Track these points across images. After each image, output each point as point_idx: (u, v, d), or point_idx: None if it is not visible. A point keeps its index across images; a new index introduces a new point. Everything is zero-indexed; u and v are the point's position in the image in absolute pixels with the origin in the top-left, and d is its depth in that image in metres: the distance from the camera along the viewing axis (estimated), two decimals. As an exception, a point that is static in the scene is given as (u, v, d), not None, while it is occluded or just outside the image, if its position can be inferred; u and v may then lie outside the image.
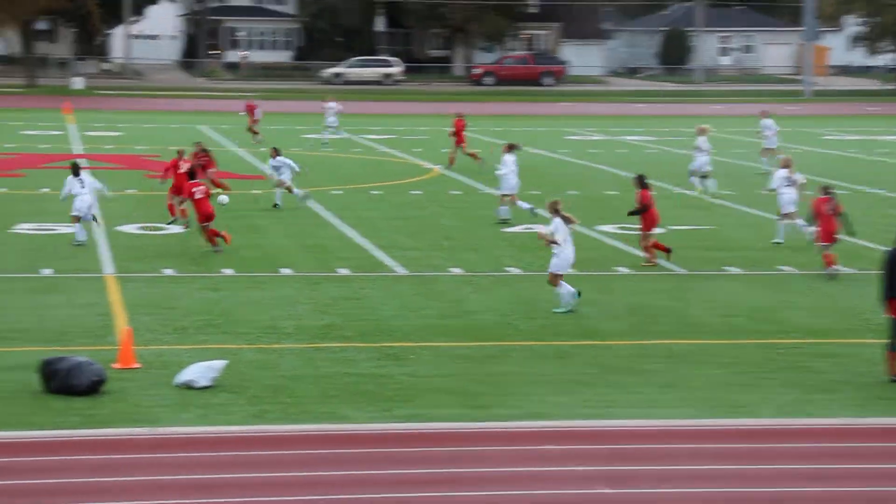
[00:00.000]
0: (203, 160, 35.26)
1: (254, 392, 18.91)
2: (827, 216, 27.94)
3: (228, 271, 27.94)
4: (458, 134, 47.16)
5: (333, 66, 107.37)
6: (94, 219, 30.68)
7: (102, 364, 19.14)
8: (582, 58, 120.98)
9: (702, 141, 41.07)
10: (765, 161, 47.32)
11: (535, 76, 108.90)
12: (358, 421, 17.70)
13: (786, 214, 31.95)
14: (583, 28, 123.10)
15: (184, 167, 32.55)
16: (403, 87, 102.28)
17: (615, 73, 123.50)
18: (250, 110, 57.51)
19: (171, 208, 33.12)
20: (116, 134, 60.67)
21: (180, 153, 34.23)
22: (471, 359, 21.18)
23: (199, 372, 19.02)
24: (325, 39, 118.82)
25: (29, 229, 32.54)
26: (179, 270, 27.88)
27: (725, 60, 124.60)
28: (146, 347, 21.00)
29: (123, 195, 39.10)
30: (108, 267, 28.12)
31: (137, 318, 23.16)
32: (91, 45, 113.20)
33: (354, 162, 51.10)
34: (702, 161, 41.08)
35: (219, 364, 19.23)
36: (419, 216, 36.60)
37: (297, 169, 36.31)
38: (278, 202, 36.53)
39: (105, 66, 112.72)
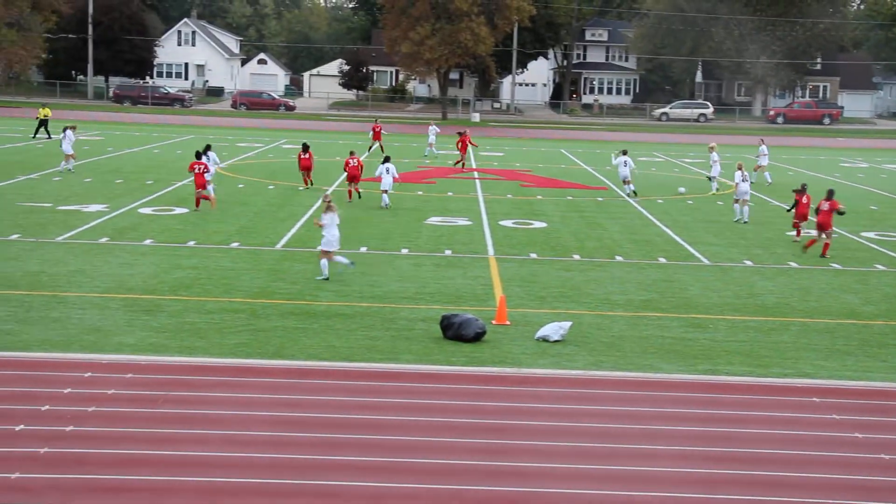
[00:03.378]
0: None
1: (592, 346, 18.85)
2: None
3: (576, 256, 27.92)
4: (377, 135, 53.96)
5: (661, 107, 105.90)
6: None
7: (484, 320, 19.48)
8: (855, 104, 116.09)
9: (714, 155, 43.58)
10: None
11: (818, 117, 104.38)
12: (669, 372, 17.40)
13: None
14: (857, 80, 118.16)
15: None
16: (713, 124, 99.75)
17: (881, 116, 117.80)
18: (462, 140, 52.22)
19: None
20: (500, 154, 61.54)
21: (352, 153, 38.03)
22: (757, 330, 20.50)
23: (553, 329, 19.10)
24: (655, 87, 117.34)
25: (437, 221, 33.36)
26: (541, 255, 28.02)
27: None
28: (515, 310, 21.22)
29: (504, 198, 39.67)
30: (491, 250, 28.55)
31: (510, 288, 23.44)
32: (487, 90, 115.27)
33: (674, 179, 50.15)
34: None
35: (567, 324, 19.26)
36: (721, 221, 35.60)
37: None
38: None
39: (496, 105, 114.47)
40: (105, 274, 23.44)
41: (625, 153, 41.22)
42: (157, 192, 37.87)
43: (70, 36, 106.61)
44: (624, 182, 41.11)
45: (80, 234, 28.43)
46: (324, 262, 23.72)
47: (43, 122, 60.38)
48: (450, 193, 40.69)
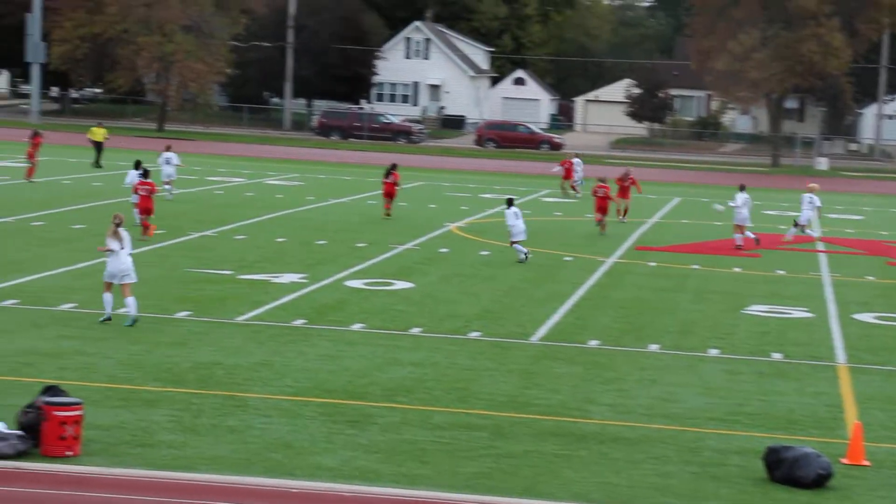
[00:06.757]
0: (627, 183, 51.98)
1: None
2: None
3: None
4: (568, 173, 62.58)
5: None
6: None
7: (830, 457, 19.00)
8: None
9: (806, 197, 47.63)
10: None
11: None
12: None
13: None
14: None
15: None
16: None
17: None
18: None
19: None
20: (858, 218, 60.32)
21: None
22: None
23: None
24: None
25: (761, 311, 32.88)
26: (915, 365, 27.21)
27: None
28: (877, 445, 20.59)
29: (863, 281, 38.79)
30: (840, 356, 27.89)
31: (869, 412, 22.78)
32: (839, 125, 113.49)
33: None
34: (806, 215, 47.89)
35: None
36: None
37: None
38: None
39: (852, 146, 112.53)
40: (299, 369, 24.17)
41: (742, 189, 46.02)
42: (372, 258, 38.91)
43: (264, 44, 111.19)
44: (740, 228, 45.28)
45: (268, 314, 29.45)
46: (106, 296, 26.73)
47: (98, 146, 66.71)
48: (781, 272, 40.12)
